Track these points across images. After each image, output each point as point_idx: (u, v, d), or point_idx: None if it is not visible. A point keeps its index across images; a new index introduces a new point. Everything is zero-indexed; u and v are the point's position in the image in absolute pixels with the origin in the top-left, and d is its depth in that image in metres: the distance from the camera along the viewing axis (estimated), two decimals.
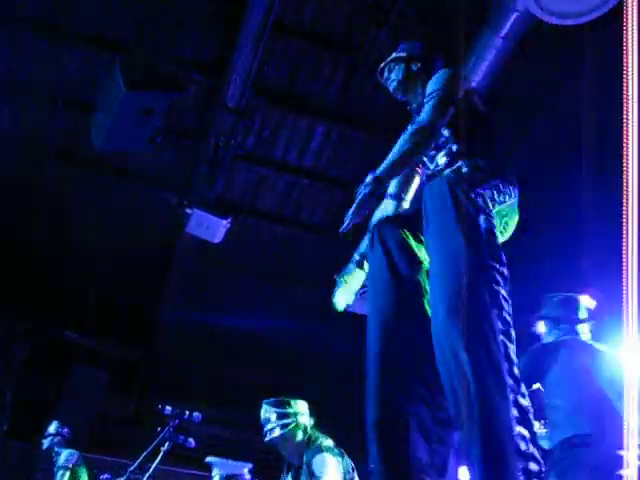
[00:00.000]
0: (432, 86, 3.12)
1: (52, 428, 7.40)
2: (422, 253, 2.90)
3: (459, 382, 2.47)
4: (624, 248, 1.96)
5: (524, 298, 2.82)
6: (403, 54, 3.42)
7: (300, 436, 4.23)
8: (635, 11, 1.87)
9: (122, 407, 9.59)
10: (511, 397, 2.44)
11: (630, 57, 1.77)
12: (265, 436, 4.28)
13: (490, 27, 5.87)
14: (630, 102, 1.76)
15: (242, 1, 6.25)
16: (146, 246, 8.67)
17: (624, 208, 1.94)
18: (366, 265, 3.60)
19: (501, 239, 2.93)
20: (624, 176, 1.90)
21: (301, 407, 4.30)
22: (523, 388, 2.51)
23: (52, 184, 7.99)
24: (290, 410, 4.24)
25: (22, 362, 9.04)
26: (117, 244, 8.61)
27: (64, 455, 7.14)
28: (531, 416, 2.47)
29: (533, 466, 2.37)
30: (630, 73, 1.74)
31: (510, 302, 2.62)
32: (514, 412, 2.41)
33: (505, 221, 2.95)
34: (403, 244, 2.95)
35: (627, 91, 1.77)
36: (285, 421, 4.22)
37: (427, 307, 2.79)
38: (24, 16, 6.58)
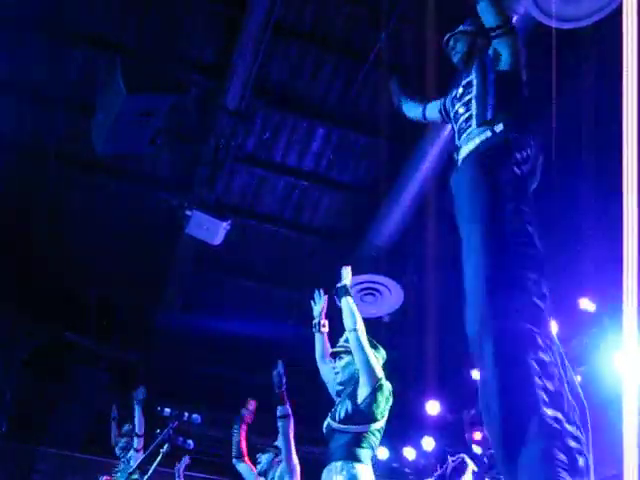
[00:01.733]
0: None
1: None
2: None
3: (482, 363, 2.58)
4: (624, 251, 1.97)
5: None
6: (472, 28, 3.51)
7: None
8: (635, 13, 1.87)
9: (121, 409, 9.57)
10: (537, 381, 2.49)
11: (629, 59, 1.77)
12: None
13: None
14: (629, 104, 1.76)
15: (243, 3, 6.26)
16: (146, 247, 8.66)
17: (624, 211, 1.94)
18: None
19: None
20: (623, 179, 1.90)
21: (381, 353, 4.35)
22: (552, 370, 2.56)
23: (52, 185, 7.99)
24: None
25: (22, 363, 9.03)
26: (117, 245, 8.61)
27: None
28: (564, 401, 2.53)
29: (572, 443, 2.43)
30: (629, 75, 1.74)
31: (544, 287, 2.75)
32: (543, 395, 2.46)
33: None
34: None
35: (626, 93, 1.77)
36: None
37: None
38: (25, 17, 6.59)
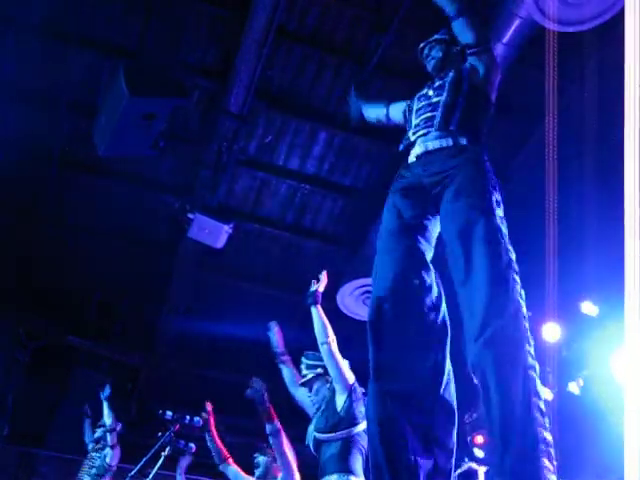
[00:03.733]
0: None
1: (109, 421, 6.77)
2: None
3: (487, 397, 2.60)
4: (626, 255, 1.96)
5: (528, 302, 2.83)
6: (445, 36, 3.56)
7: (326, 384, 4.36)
8: (637, 17, 1.87)
9: (123, 411, 9.57)
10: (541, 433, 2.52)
11: (631, 63, 1.77)
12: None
13: (493, 33, 5.88)
14: (631, 108, 1.76)
15: (245, 7, 6.27)
16: (148, 251, 8.67)
17: (625, 214, 1.94)
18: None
19: None
20: (625, 182, 1.90)
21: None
22: (546, 420, 2.59)
23: (54, 188, 8.00)
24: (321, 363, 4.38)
25: (23, 366, 9.03)
26: (119, 248, 8.61)
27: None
28: (552, 449, 2.55)
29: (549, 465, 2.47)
30: (631, 79, 1.74)
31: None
32: (542, 446, 2.49)
33: None
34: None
35: (628, 98, 1.77)
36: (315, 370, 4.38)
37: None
38: (29, 20, 6.60)
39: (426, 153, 3.22)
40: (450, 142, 3.16)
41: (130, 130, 6.24)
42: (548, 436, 2.54)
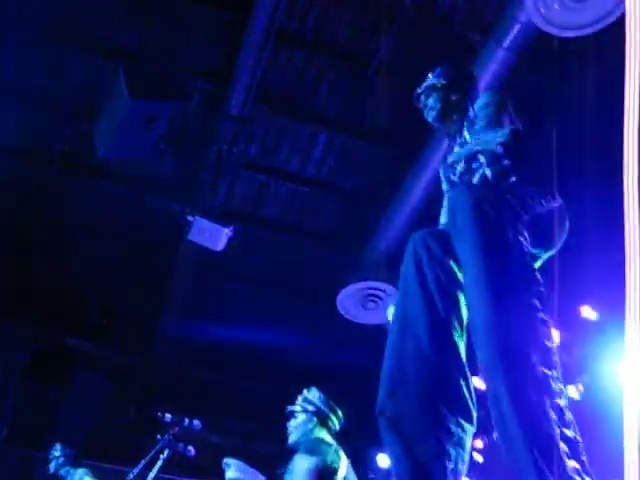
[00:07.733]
0: (485, 98, 3.15)
1: (57, 451, 7.09)
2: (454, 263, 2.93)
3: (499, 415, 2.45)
4: (626, 259, 1.96)
5: None
6: (443, 81, 3.31)
7: (314, 427, 4.26)
8: (638, 22, 1.87)
9: (122, 414, 9.56)
10: (557, 431, 2.38)
11: (632, 68, 1.77)
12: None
13: (493, 38, 5.89)
14: (631, 112, 1.76)
15: (246, 9, 6.28)
16: (148, 253, 8.66)
17: (625, 218, 1.93)
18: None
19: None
20: (624, 187, 1.90)
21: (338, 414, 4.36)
22: (568, 416, 2.47)
23: (54, 190, 8.00)
24: (321, 407, 4.28)
25: (22, 368, 9.03)
26: (119, 250, 8.62)
27: (79, 474, 6.87)
28: (580, 447, 2.43)
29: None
30: (631, 84, 1.74)
31: (549, 323, 2.62)
32: (563, 447, 2.37)
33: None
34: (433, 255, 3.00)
35: (628, 101, 1.77)
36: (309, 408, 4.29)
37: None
38: (29, 22, 6.61)
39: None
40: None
41: (130, 132, 6.25)
42: (570, 433, 2.42)
